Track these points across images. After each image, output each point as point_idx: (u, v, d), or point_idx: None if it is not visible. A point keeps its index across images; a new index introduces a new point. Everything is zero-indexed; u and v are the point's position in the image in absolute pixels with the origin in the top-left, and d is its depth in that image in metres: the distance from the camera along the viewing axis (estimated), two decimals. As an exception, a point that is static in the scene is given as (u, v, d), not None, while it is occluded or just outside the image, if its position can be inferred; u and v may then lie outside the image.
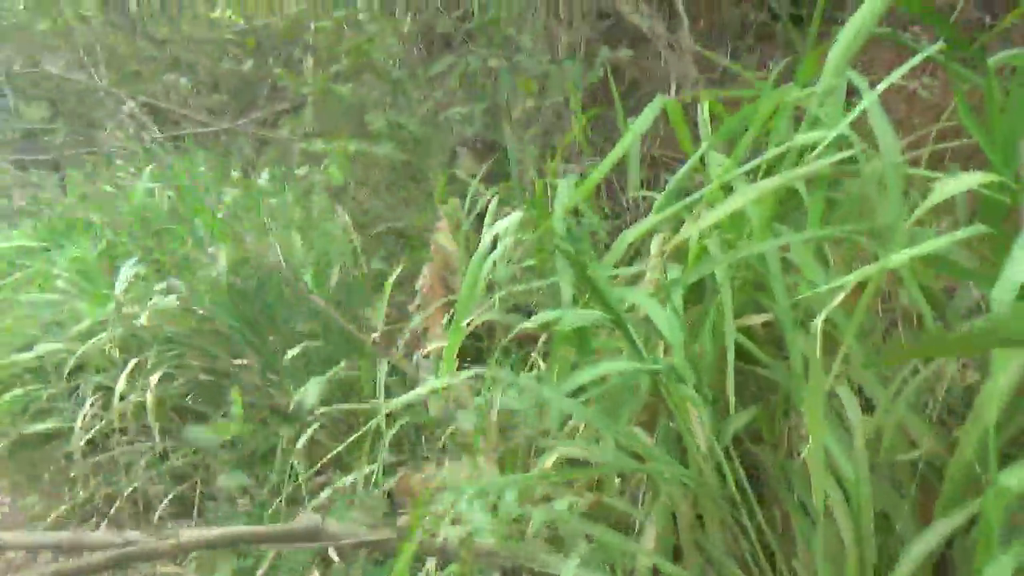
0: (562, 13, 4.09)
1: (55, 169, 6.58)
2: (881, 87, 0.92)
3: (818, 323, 0.87)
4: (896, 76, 0.91)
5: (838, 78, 0.99)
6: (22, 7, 8.01)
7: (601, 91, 4.32)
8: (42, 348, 2.80)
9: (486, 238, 1.11)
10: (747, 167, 1.11)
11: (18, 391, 2.80)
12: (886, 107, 1.15)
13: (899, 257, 0.87)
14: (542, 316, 1.14)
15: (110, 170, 3.98)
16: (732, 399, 1.11)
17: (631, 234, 1.15)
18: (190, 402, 2.67)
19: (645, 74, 4.33)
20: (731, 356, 1.12)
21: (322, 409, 1.87)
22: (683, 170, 1.23)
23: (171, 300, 2.36)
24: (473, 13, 3.15)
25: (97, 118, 6.32)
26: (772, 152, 1.07)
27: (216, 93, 5.03)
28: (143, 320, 2.37)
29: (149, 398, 2.40)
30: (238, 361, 2.51)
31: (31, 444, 2.97)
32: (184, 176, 2.76)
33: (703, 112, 1.40)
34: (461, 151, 2.12)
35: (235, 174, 2.57)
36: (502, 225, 1.14)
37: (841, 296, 0.89)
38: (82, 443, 2.66)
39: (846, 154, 1.02)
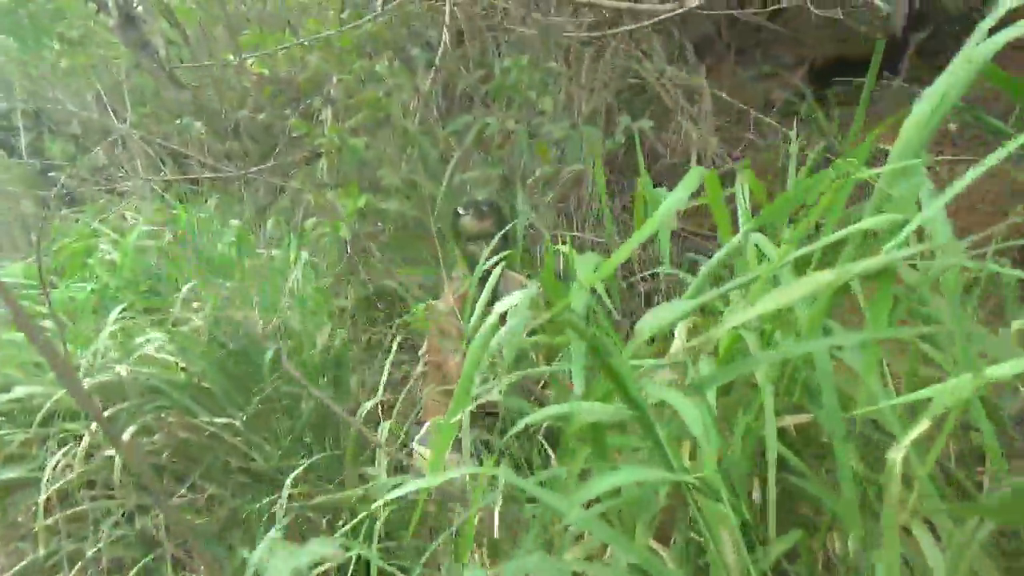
0: (584, 80, 4.03)
1: (75, 206, 6.54)
2: (975, 174, 0.76)
3: (896, 466, 0.70)
4: (992, 162, 0.76)
5: (913, 156, 0.84)
6: (56, 47, 8.13)
7: (619, 159, 4.24)
8: (19, 391, 2.62)
9: (487, 320, 0.94)
10: (802, 251, 0.96)
11: (-12, 435, 2.61)
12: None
13: (998, 372, 0.71)
14: (552, 409, 0.97)
15: (118, 209, 3.87)
16: (773, 527, 0.93)
17: (656, 320, 0.98)
18: (167, 460, 2.48)
19: (665, 145, 4.25)
20: (772, 475, 0.94)
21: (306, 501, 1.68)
22: (722, 253, 1.08)
23: (154, 350, 2.19)
24: (494, 74, 3.08)
25: (116, 157, 6.30)
26: (831, 237, 0.92)
27: (234, 140, 4.98)
28: (122, 370, 2.21)
29: (118, 455, 2.21)
30: (220, 420, 2.33)
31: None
32: (184, 220, 2.63)
33: (742, 186, 1.25)
34: (464, 213, 1.99)
35: (234, 222, 2.44)
36: (509, 302, 0.98)
37: (916, 432, 0.72)
38: (50, 496, 2.47)
39: (917, 249, 0.86)
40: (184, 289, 2.29)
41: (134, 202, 4.70)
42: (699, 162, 3.92)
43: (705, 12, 4.18)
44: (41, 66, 7.87)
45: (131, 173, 5.59)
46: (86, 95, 7.11)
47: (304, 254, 2.46)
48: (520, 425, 0.96)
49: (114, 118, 5.75)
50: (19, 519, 2.77)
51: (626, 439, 1.15)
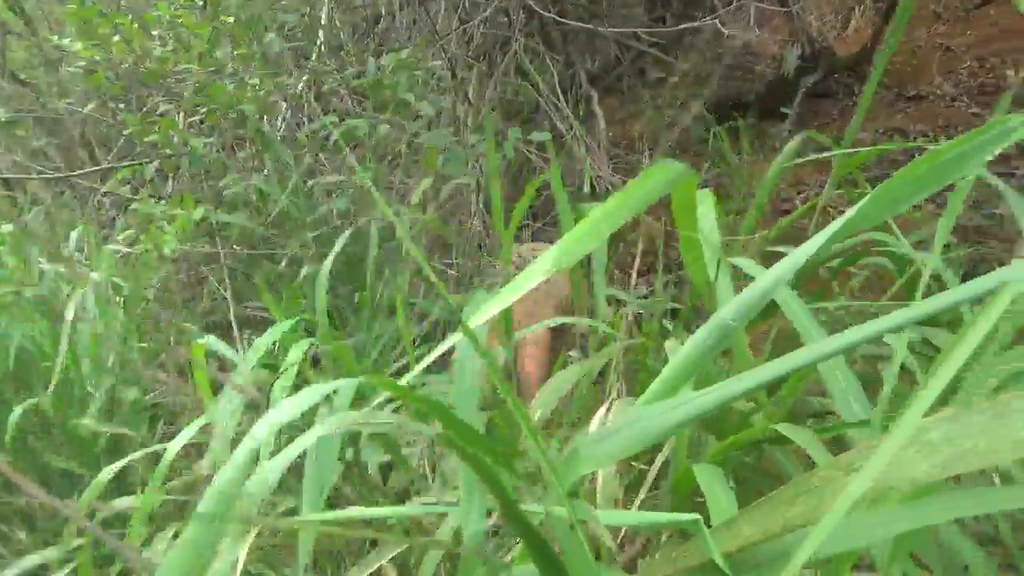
0: (472, 96, 3.55)
1: None
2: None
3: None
4: None
5: None
6: None
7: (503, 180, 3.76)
8: None
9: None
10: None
11: None
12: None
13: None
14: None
15: None
16: None
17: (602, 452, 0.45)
18: None
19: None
20: None
21: None
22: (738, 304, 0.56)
23: None
24: (367, 72, 2.52)
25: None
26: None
27: (76, 142, 4.15)
28: None
29: None
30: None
31: None
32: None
33: (707, 208, 0.76)
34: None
35: (5, 227, 1.72)
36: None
37: None
38: None
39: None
40: None
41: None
42: (593, 190, 3.53)
43: (602, 31, 3.82)
44: None
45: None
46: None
47: (95, 276, 1.78)
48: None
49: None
50: None
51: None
